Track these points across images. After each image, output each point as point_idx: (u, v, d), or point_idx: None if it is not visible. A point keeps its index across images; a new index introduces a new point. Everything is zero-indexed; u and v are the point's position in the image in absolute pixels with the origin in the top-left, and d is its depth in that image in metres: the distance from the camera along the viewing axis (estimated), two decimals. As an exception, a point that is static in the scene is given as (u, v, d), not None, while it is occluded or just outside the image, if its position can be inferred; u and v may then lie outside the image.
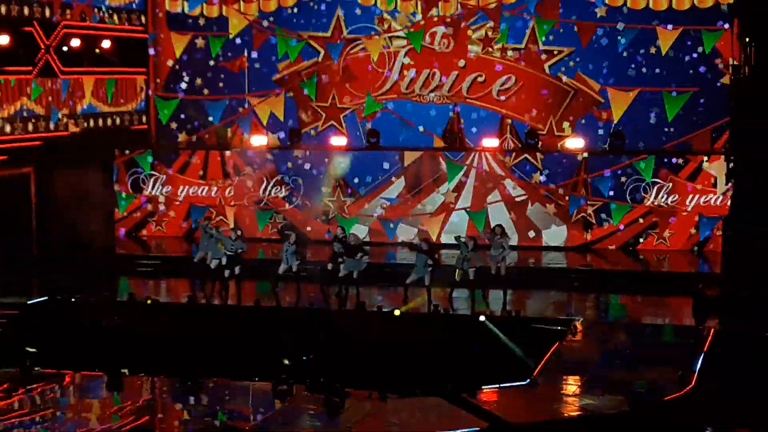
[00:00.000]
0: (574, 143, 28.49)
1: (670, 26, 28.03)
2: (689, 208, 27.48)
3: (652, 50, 28.40)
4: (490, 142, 28.84)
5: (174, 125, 31.03)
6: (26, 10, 26.04)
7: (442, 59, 29.68)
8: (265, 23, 29.98)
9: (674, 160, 27.60)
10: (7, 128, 25.81)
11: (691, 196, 27.51)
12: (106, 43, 28.79)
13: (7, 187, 26.10)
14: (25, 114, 26.35)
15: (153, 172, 29.63)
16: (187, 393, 19.00)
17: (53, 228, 26.83)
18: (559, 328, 20.83)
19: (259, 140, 29.93)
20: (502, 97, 29.37)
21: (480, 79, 29.54)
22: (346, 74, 29.86)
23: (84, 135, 28.37)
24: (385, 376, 19.46)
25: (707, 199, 27.39)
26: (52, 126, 27.29)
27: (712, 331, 20.33)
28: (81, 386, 19.57)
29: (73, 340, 21.35)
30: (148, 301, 22.45)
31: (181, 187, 29.61)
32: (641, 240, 27.73)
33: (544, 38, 28.85)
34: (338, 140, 29.65)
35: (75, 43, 27.71)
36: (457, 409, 17.02)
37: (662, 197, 27.64)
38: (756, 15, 23.22)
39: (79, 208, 27.52)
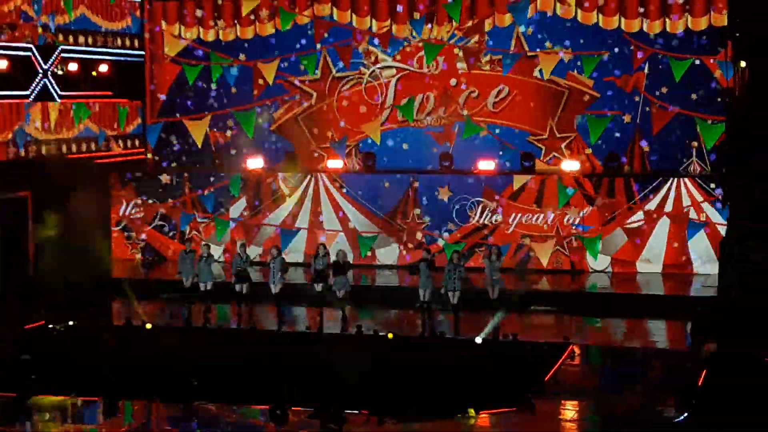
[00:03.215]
0: (570, 166, 28.47)
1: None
2: (511, 228, 27.77)
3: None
4: (486, 164, 28.80)
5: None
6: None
7: (433, 82, 29.71)
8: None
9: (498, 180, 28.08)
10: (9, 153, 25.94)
11: (513, 215, 27.78)
12: (103, 68, 28.85)
13: (4, 211, 26.07)
14: (20, 137, 26.39)
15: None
16: (183, 418, 18.94)
17: (49, 251, 26.79)
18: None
19: (254, 162, 29.91)
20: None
21: (473, 95, 29.56)
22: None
23: (80, 158, 28.42)
24: (383, 400, 19.42)
25: (529, 218, 27.67)
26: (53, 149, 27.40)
27: (709, 355, 20.31)
28: (77, 412, 19.50)
29: (69, 364, 21.25)
30: (148, 326, 22.35)
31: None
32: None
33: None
34: (334, 163, 29.66)
35: (72, 67, 27.77)
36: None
37: (486, 216, 27.88)
38: (751, 39, 23.33)
39: (76, 231, 27.52)
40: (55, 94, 27.48)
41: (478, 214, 28.04)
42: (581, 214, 27.43)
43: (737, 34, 24.55)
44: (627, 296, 25.59)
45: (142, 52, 30.79)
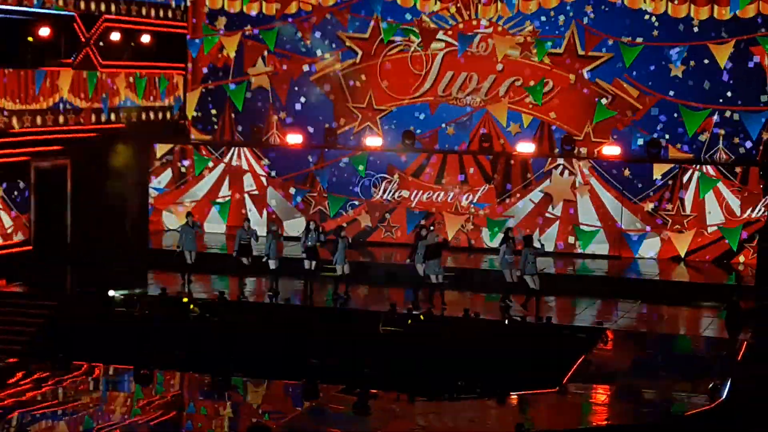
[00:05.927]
0: (611, 150, 28.29)
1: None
2: (413, 203, 28.29)
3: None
4: (526, 146, 28.70)
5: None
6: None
7: (479, 62, 29.59)
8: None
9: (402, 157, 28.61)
10: (46, 120, 26.03)
11: (415, 192, 28.24)
12: (145, 38, 28.90)
13: (44, 179, 26.23)
14: (63, 106, 26.52)
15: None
16: (216, 390, 19.06)
17: (88, 220, 26.96)
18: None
19: (294, 138, 29.91)
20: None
21: (517, 83, 29.40)
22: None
23: (121, 128, 28.56)
24: (413, 379, 19.43)
25: (429, 195, 28.17)
26: (93, 118, 27.53)
27: (744, 343, 20.14)
28: (111, 379, 19.69)
29: (104, 333, 21.43)
30: (185, 299, 22.45)
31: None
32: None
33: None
34: (374, 140, 29.61)
35: (115, 36, 27.85)
36: (485, 413, 16.97)
37: (390, 192, 28.38)
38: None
39: (115, 199, 27.69)
40: (96, 63, 27.57)
41: (381, 190, 28.47)
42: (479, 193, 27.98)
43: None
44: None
45: (184, 23, 30.81)
